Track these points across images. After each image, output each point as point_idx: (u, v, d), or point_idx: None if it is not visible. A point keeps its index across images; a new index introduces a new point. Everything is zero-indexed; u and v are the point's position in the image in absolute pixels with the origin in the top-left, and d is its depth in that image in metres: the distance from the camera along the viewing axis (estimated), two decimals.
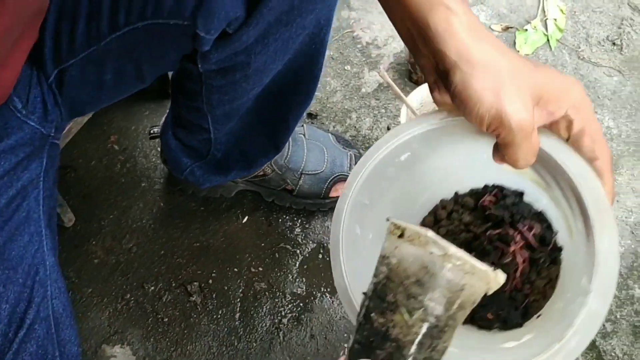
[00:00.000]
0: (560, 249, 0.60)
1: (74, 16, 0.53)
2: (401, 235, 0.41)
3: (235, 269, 0.89)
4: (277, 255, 0.90)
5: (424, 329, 0.40)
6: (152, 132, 0.87)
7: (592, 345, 0.81)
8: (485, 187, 0.64)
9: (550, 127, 0.45)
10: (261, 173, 0.86)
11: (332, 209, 0.92)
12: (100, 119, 1.01)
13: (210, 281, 0.88)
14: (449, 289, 0.41)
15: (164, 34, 0.52)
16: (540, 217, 0.61)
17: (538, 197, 0.60)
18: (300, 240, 0.91)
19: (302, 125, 0.93)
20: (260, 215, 0.93)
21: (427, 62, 0.46)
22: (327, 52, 0.87)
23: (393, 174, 0.56)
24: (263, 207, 0.94)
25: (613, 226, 0.44)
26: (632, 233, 0.90)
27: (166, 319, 0.86)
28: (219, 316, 0.85)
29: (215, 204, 0.94)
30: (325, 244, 0.91)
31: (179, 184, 0.94)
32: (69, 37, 0.54)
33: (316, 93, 1.05)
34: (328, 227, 0.92)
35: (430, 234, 0.40)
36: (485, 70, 0.42)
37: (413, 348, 0.41)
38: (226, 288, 0.87)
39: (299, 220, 0.92)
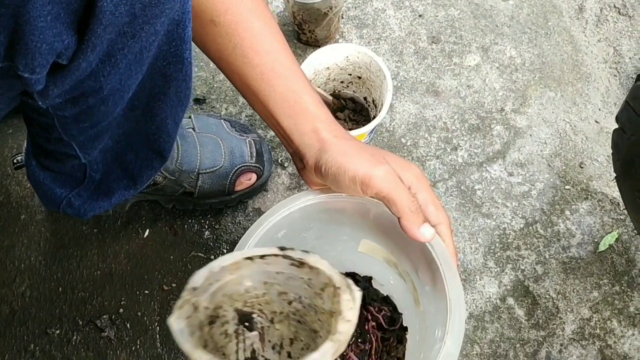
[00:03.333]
0: (405, 329, 0.73)
1: None
2: None
3: (146, 291, 0.84)
4: (189, 266, 0.85)
5: None
6: (15, 161, 0.79)
7: (526, 292, 0.83)
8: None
9: None
10: (152, 183, 0.80)
11: (241, 202, 0.88)
12: None
13: (121, 310, 0.83)
14: None
15: None
16: (387, 301, 0.75)
17: (387, 276, 0.72)
18: (211, 244, 0.86)
19: (190, 117, 0.87)
20: (162, 225, 0.87)
21: (297, 151, 0.59)
22: None
23: None
24: (164, 215, 0.88)
25: (458, 277, 0.56)
26: (549, 166, 0.91)
27: None
28: (138, 347, 0.81)
29: (110, 223, 0.88)
30: None
31: None
32: None
33: (200, 73, 0.98)
34: (240, 224, 0.87)
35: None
36: (347, 150, 0.56)
37: None
38: (140, 314, 0.82)
39: (207, 222, 0.88)
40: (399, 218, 0.55)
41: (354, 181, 0.54)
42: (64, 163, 0.68)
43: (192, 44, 0.60)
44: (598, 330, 0.81)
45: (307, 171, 0.61)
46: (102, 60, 0.47)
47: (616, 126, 0.65)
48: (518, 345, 0.80)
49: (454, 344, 0.54)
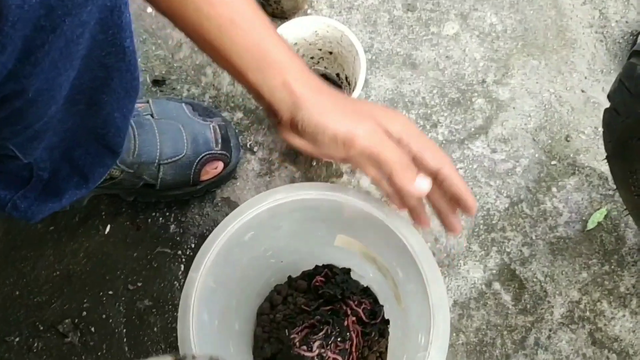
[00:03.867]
0: (387, 322, 0.70)
1: None
2: None
3: (110, 292, 0.78)
4: (155, 264, 0.80)
5: None
6: None
7: (513, 275, 0.79)
8: (316, 267, 0.72)
9: None
10: (108, 177, 0.74)
11: (208, 192, 0.82)
12: None
13: (84, 313, 0.78)
14: None
15: None
16: (367, 292, 0.72)
17: (366, 269, 0.69)
18: (178, 238, 0.81)
19: (148, 102, 0.80)
20: (124, 219, 0.82)
21: (269, 107, 0.53)
22: None
23: (238, 255, 0.60)
24: (125, 209, 0.82)
25: (441, 280, 0.53)
26: (534, 140, 0.86)
27: None
28: (104, 351, 0.76)
29: (67, 220, 0.82)
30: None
31: None
32: None
33: (158, 52, 0.91)
34: (208, 215, 0.82)
35: None
36: (325, 106, 0.51)
37: None
38: (104, 317, 0.77)
39: (172, 215, 0.82)
40: (389, 176, 0.50)
41: (334, 140, 0.49)
42: (5, 163, 0.62)
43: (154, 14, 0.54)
44: (588, 313, 0.78)
45: (282, 127, 0.54)
46: (20, 60, 0.41)
47: (605, 99, 0.60)
48: (505, 332, 0.77)
49: (439, 353, 0.50)
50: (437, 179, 0.53)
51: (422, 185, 0.51)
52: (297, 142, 0.54)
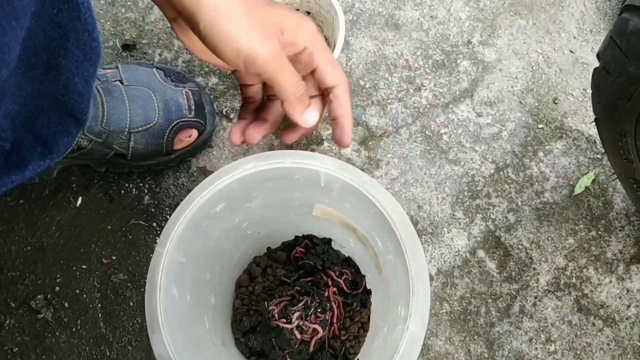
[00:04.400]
0: (369, 292, 0.68)
1: None
2: None
3: (84, 266, 0.76)
4: (130, 236, 0.77)
5: None
6: None
7: (498, 243, 0.77)
8: (296, 238, 0.70)
9: (295, 61, 0.51)
10: (75, 147, 0.70)
11: (183, 161, 0.79)
12: None
13: (57, 289, 0.75)
14: None
15: None
16: (349, 262, 0.70)
17: (347, 239, 0.66)
18: (153, 210, 0.78)
19: (117, 67, 0.76)
20: (96, 191, 0.78)
21: (165, 2, 0.48)
22: None
23: (209, 227, 0.57)
24: (97, 180, 0.79)
25: (421, 252, 0.51)
26: (521, 103, 0.83)
27: (16, 349, 0.73)
28: (79, 327, 0.74)
29: (37, 192, 0.78)
30: None
31: None
32: None
33: (128, 14, 0.86)
34: (184, 185, 0.79)
35: None
36: (232, 12, 0.45)
37: None
38: (78, 292, 0.75)
39: (146, 185, 0.79)
40: (282, 101, 0.50)
41: (236, 54, 0.46)
42: None
43: None
44: (574, 280, 0.76)
45: (180, 25, 0.50)
46: None
47: (594, 59, 0.57)
48: (490, 300, 0.75)
49: (417, 326, 0.48)
50: (328, 97, 0.53)
51: (309, 118, 0.51)
52: (194, 45, 0.51)
